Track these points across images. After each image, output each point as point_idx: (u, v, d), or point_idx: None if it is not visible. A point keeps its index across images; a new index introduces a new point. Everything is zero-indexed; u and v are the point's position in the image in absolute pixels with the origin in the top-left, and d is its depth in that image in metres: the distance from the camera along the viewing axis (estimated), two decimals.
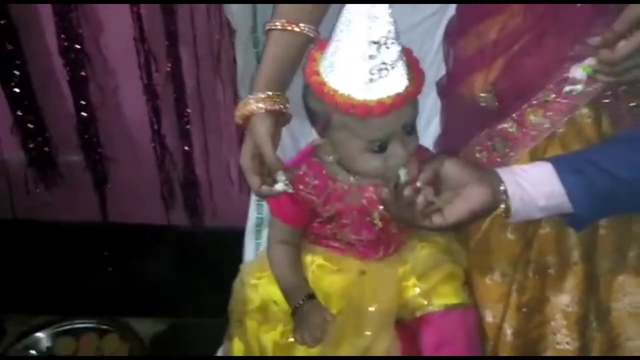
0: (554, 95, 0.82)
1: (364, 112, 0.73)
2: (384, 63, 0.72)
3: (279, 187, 0.82)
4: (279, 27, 0.84)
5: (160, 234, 1.56)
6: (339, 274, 0.92)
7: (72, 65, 1.31)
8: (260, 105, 0.82)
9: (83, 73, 1.32)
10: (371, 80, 0.73)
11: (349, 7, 0.72)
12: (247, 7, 1.07)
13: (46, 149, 1.43)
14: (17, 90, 1.33)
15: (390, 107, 0.74)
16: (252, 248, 1.22)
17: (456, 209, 0.75)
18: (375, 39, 0.71)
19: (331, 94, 0.75)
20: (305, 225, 0.92)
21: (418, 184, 0.76)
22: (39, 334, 1.48)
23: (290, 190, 0.83)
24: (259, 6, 1.06)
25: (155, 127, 1.38)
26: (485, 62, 0.86)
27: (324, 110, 0.78)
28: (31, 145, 1.41)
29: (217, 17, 1.27)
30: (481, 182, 0.76)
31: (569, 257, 0.87)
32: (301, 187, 0.87)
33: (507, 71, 0.84)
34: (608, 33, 0.72)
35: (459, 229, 0.87)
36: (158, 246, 1.55)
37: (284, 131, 1.10)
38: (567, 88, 0.80)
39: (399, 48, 0.74)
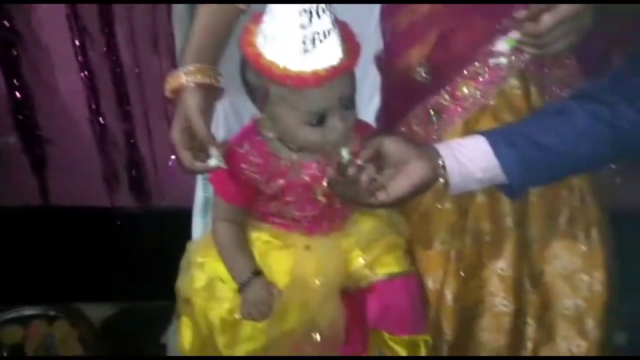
0: (483, 68, 0.85)
1: (299, 83, 0.74)
2: (316, 32, 0.73)
3: (213, 162, 0.81)
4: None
5: (105, 216, 1.54)
6: (285, 249, 0.94)
7: (2, 44, 1.27)
8: (190, 78, 0.81)
9: (14, 52, 1.28)
10: (305, 50, 0.74)
11: None
12: None
13: None
14: None
15: (325, 78, 0.75)
16: (200, 227, 1.22)
17: (399, 185, 0.78)
18: (306, 8, 0.72)
19: (267, 66, 0.75)
20: (248, 203, 0.93)
21: (359, 162, 0.78)
22: None
23: (223, 166, 0.82)
24: None
25: (94, 106, 1.36)
26: (418, 37, 0.88)
27: (261, 83, 0.79)
28: None
29: None
30: (421, 157, 0.79)
31: (503, 224, 0.91)
32: (244, 165, 0.87)
33: (439, 45, 0.86)
34: (533, 7, 0.75)
35: (401, 204, 0.90)
36: (104, 229, 1.53)
37: (228, 107, 1.10)
38: (493, 60, 0.83)
39: (330, 18, 0.75)
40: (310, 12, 0.73)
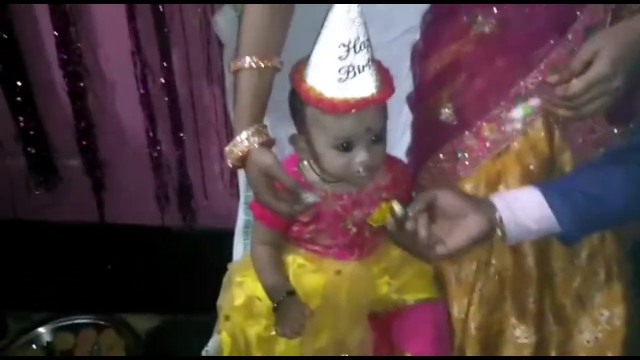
0: (505, 112, 0.89)
1: (330, 107, 0.83)
2: (352, 66, 0.82)
3: (311, 198, 0.86)
4: (247, 66, 0.85)
5: (154, 234, 1.63)
6: (317, 273, 1.00)
7: (71, 77, 1.39)
8: (255, 139, 0.85)
9: (82, 84, 1.40)
10: (340, 80, 0.82)
11: (331, 13, 0.82)
12: (233, 23, 1.15)
13: (46, 154, 1.50)
14: (19, 99, 1.41)
15: (353, 106, 0.82)
16: (241, 247, 1.29)
17: (457, 239, 0.82)
18: (345, 42, 0.81)
19: (306, 89, 0.85)
20: (284, 228, 1.00)
21: (410, 214, 0.82)
22: (40, 330, 1.54)
23: (318, 199, 0.87)
24: None
25: (151, 134, 1.46)
26: (445, 82, 0.93)
27: (301, 105, 0.87)
28: (32, 151, 1.48)
29: (207, 32, 1.35)
30: (478, 211, 0.82)
31: (525, 263, 0.95)
32: None
33: (464, 89, 0.91)
34: (565, 70, 0.79)
35: (458, 257, 0.93)
36: (153, 246, 1.62)
37: (278, 141, 1.19)
38: (508, 127, 0.87)
39: (367, 55, 0.83)
40: (349, 47, 0.81)
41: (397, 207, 0.83)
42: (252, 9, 0.87)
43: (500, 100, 0.89)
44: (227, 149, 0.88)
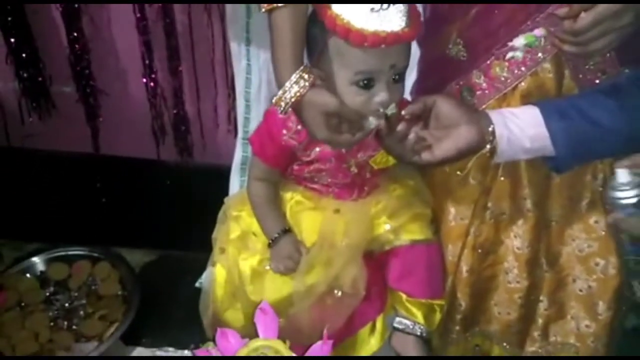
0: (515, 50, 0.87)
1: (358, 39, 0.79)
2: None
3: (373, 124, 0.85)
4: (282, 4, 0.82)
5: (150, 168, 1.63)
6: (315, 210, 1.02)
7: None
8: (305, 81, 0.83)
9: (76, 5, 1.37)
10: (372, 9, 0.79)
11: None
12: None
13: (40, 79, 1.48)
14: (10, 18, 1.37)
15: (383, 40, 0.79)
16: (237, 184, 1.31)
17: (444, 147, 0.82)
18: None
19: (333, 17, 0.81)
20: (284, 166, 1.00)
21: (403, 113, 0.82)
22: (34, 259, 1.55)
23: (381, 123, 0.85)
24: None
25: (147, 61, 1.44)
26: (456, 15, 0.91)
27: (323, 36, 0.84)
28: (25, 75, 1.46)
29: None
30: (471, 122, 0.82)
31: (523, 205, 0.96)
32: (284, 131, 0.94)
33: (475, 24, 0.89)
34: (574, 5, 0.77)
35: (446, 165, 0.92)
36: (148, 180, 1.63)
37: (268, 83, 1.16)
38: (509, 54, 0.86)
39: None
40: None
41: (391, 108, 0.83)
42: None
43: (512, 37, 0.87)
44: (276, 97, 0.85)
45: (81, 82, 1.49)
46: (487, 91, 0.92)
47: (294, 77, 0.82)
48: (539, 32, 0.85)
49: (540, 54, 0.87)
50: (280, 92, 0.84)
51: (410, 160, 0.84)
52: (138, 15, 1.37)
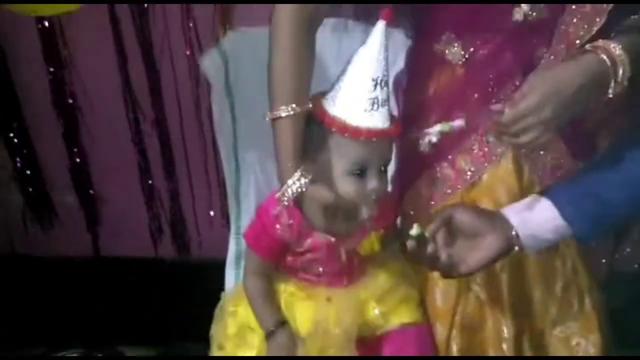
0: (477, 144, 0.93)
1: (355, 133, 0.87)
2: (377, 99, 0.87)
3: (365, 214, 0.90)
4: (284, 115, 0.88)
5: (149, 266, 1.63)
6: (308, 300, 1.00)
7: (65, 117, 1.42)
8: (305, 179, 0.89)
9: (75, 123, 1.43)
10: (365, 110, 0.87)
11: (363, 50, 0.87)
12: (219, 64, 1.20)
13: (43, 191, 1.52)
14: (16, 141, 1.43)
15: (375, 134, 0.87)
16: (232, 277, 1.29)
17: (477, 257, 0.85)
18: (375, 77, 0.86)
19: (331, 118, 0.88)
20: (278, 259, 1.00)
21: (426, 235, 0.85)
22: None
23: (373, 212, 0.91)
24: (230, 61, 1.19)
25: (143, 169, 1.48)
26: (422, 114, 0.97)
27: (321, 132, 0.90)
28: (29, 189, 1.50)
29: (195, 73, 1.38)
30: (494, 230, 0.84)
31: (501, 287, 0.97)
32: (278, 226, 0.95)
33: (439, 122, 0.91)
34: (507, 101, 0.82)
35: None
36: (147, 277, 1.62)
37: (259, 172, 1.21)
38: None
39: (388, 92, 0.88)
40: (377, 82, 0.86)
41: (414, 229, 0.86)
42: (278, 62, 0.90)
43: (471, 133, 0.92)
44: (279, 193, 0.90)
45: (81, 191, 1.52)
46: (456, 182, 0.95)
47: (295, 176, 0.89)
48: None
49: (499, 149, 0.91)
50: (284, 189, 0.90)
51: (451, 277, 0.87)
52: (133, 128, 1.43)
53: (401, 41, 1.07)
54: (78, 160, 1.48)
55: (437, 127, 0.88)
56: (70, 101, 1.41)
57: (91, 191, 1.54)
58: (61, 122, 1.44)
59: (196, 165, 1.52)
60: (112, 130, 1.49)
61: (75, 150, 1.47)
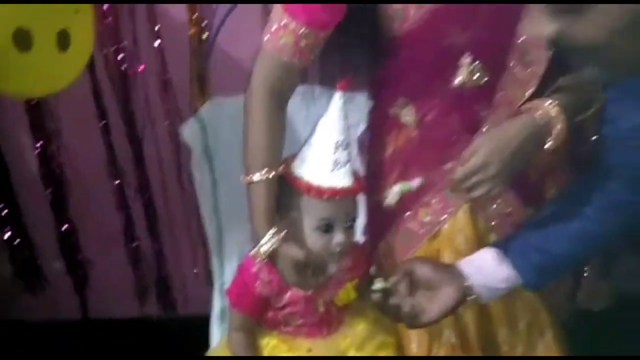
0: (435, 198, 0.98)
1: (318, 193, 0.93)
2: (338, 160, 0.94)
3: (333, 269, 0.97)
4: (257, 180, 0.94)
5: (136, 324, 1.65)
6: (290, 352, 1.03)
7: (52, 186, 1.46)
8: (278, 238, 0.95)
9: (62, 192, 1.47)
10: (328, 171, 0.93)
11: (322, 119, 0.94)
12: (197, 131, 1.27)
13: (32, 259, 1.54)
14: (5, 211, 1.46)
15: (337, 192, 0.93)
16: (218, 333, 1.32)
17: (435, 309, 0.89)
18: (337, 141, 0.94)
19: (297, 179, 0.95)
20: (260, 314, 1.03)
21: (389, 286, 0.91)
22: None
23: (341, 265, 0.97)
24: (209, 128, 1.27)
25: (129, 232, 1.52)
26: (384, 172, 1.03)
27: (291, 193, 0.96)
28: (18, 258, 1.52)
29: (176, 140, 1.44)
30: (449, 283, 0.89)
31: (468, 331, 1.01)
32: (258, 282, 0.99)
33: (400, 180, 1.00)
34: (460, 160, 0.90)
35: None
36: (134, 336, 1.63)
37: (245, 232, 1.27)
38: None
39: (347, 153, 0.95)
40: (338, 145, 0.93)
41: (378, 283, 0.92)
42: (251, 133, 0.96)
43: (430, 188, 0.98)
44: (253, 251, 0.96)
45: (69, 256, 1.55)
46: (419, 234, 1.00)
47: (268, 235, 0.95)
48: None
49: (456, 201, 0.97)
50: (257, 247, 0.96)
51: (415, 327, 0.92)
52: (118, 196, 1.48)
53: (363, 103, 1.14)
54: (65, 228, 1.51)
55: (397, 188, 0.95)
56: (57, 172, 1.46)
57: (79, 257, 1.57)
58: (49, 193, 1.48)
59: (179, 226, 1.56)
60: (97, 198, 1.54)
61: (63, 218, 1.51)
